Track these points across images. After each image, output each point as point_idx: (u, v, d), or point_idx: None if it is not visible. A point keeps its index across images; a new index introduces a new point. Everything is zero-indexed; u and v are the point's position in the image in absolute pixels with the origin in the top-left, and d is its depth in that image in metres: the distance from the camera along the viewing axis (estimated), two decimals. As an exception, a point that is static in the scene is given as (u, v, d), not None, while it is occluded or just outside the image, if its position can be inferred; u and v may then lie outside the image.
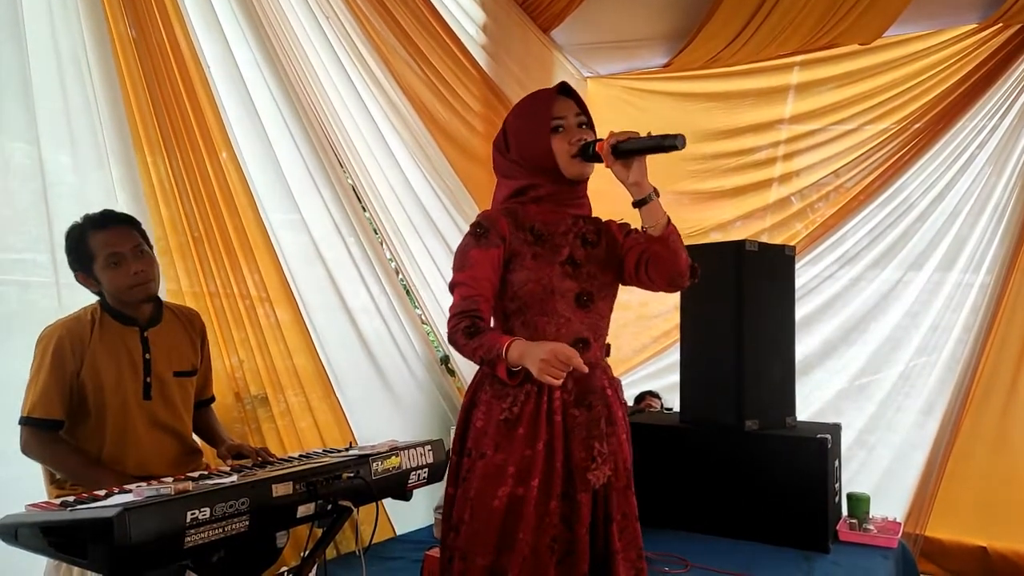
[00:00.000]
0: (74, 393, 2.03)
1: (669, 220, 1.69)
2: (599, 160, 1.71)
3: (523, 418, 1.70)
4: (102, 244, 2.06)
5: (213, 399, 2.46)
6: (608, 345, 1.85)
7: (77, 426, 2.06)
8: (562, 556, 1.67)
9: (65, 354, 2.01)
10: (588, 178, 1.84)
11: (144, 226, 2.30)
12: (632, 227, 1.86)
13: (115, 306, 2.12)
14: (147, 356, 2.13)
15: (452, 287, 1.76)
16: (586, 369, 1.62)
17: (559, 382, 1.55)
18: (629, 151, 1.64)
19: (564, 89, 1.80)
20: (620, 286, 1.90)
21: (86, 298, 2.21)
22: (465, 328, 1.67)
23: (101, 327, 2.08)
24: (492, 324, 1.79)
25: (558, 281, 1.74)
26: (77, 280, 2.12)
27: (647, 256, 1.76)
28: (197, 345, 2.31)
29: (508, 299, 1.78)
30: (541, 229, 1.77)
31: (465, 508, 1.71)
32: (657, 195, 1.68)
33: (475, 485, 1.70)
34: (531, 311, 1.75)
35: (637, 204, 1.69)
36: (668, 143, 1.60)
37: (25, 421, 1.98)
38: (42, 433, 1.99)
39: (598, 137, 1.76)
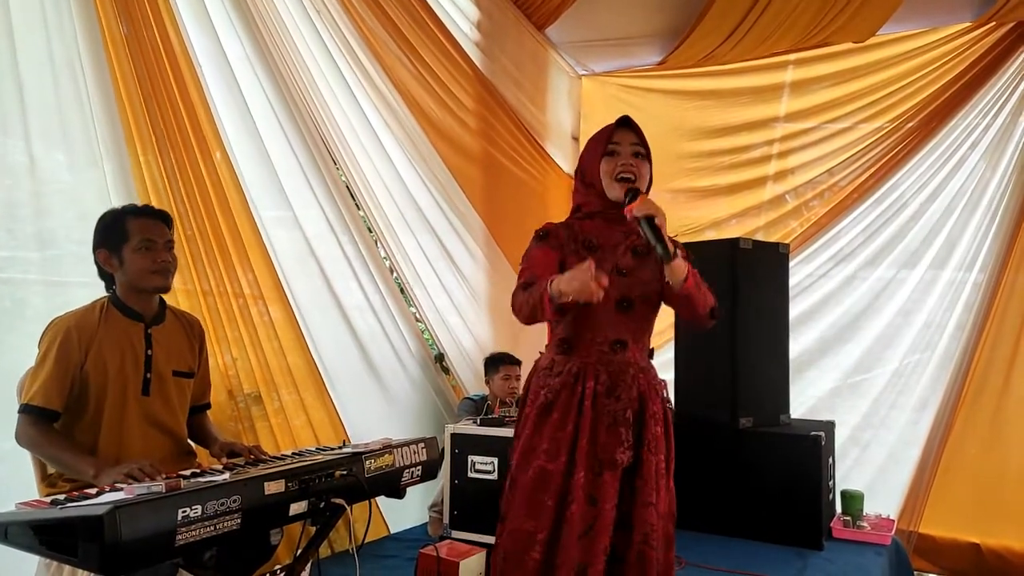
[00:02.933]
0: (75, 385, 2.04)
1: (689, 275, 1.84)
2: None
3: (557, 404, 1.93)
4: (140, 228, 2.11)
5: (209, 406, 2.45)
6: (652, 349, 2.01)
7: (75, 419, 2.06)
8: (585, 529, 1.82)
9: (72, 346, 2.02)
10: None
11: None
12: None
13: (124, 298, 2.14)
14: (149, 352, 2.15)
15: (518, 280, 1.96)
16: (605, 281, 1.67)
17: (599, 292, 1.66)
18: (642, 228, 1.79)
19: (627, 122, 2.00)
20: None
21: (76, 296, 2.20)
22: (523, 284, 1.89)
23: (107, 320, 2.10)
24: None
25: None
26: (97, 259, 2.13)
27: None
28: (196, 349, 2.33)
29: None
30: (595, 241, 1.98)
31: (507, 480, 1.98)
32: (679, 255, 1.81)
33: (515, 460, 1.96)
34: (574, 313, 1.91)
35: (660, 260, 1.82)
36: (660, 252, 1.76)
37: (25, 408, 1.99)
38: (39, 422, 1.99)
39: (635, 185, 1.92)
